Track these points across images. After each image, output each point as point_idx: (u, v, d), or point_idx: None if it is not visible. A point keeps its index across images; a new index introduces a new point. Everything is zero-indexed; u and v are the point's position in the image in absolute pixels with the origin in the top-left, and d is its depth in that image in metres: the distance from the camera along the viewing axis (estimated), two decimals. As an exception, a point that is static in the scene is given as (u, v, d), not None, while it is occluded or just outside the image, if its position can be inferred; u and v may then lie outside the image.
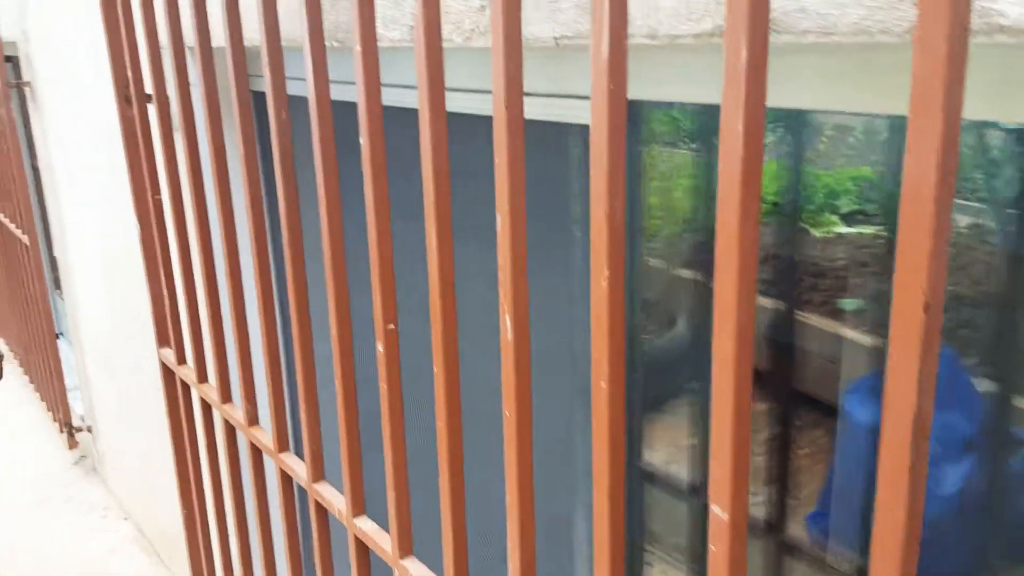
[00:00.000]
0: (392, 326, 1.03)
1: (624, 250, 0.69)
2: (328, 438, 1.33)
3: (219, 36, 1.35)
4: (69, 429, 3.29)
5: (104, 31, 1.68)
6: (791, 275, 1.18)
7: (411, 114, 1.04)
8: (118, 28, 1.68)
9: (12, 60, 3.24)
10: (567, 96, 1.11)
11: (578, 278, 1.39)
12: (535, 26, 0.92)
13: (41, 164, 3.12)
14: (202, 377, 1.68)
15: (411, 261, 1.35)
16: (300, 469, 1.34)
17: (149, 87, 1.68)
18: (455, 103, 1.24)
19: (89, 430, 3.28)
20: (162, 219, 1.71)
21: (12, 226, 3.25)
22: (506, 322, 0.80)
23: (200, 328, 1.65)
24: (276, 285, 1.88)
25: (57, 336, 3.35)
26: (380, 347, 1.03)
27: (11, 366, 4.67)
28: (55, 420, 3.46)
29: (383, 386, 1.05)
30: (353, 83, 1.43)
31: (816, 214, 1.13)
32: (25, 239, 3.09)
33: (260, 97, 1.66)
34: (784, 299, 1.19)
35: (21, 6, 2.83)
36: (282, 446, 1.40)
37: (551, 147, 1.32)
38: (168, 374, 1.85)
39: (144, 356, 2.43)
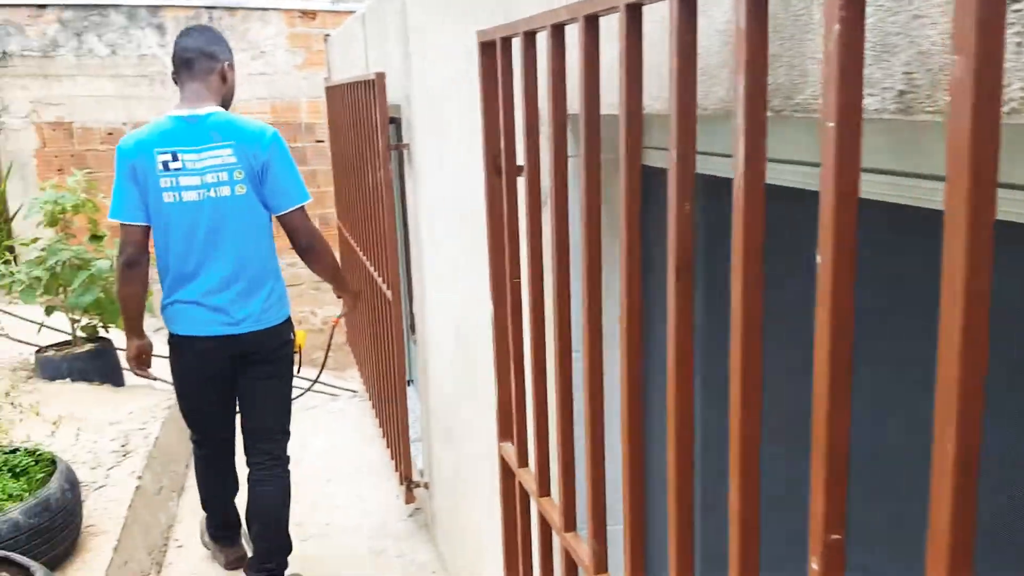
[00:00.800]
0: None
1: None
2: None
3: (607, 104, 1.12)
4: (408, 483, 3.33)
5: (480, 97, 1.56)
6: None
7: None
8: (495, 95, 1.54)
9: (395, 122, 3.40)
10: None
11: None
12: None
13: (410, 224, 3.22)
14: (544, 489, 1.46)
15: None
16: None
17: (521, 158, 1.52)
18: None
19: (426, 486, 3.29)
20: (519, 305, 1.54)
21: (379, 279, 3.39)
22: None
23: (547, 440, 1.43)
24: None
25: (408, 383, 3.44)
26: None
27: (364, 404, 4.99)
28: (396, 470, 3.54)
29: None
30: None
31: None
32: (388, 294, 3.19)
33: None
34: None
35: (406, 70, 2.93)
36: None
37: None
38: (507, 471, 1.66)
39: (481, 430, 2.31)
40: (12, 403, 3.75)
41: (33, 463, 2.89)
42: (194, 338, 2.69)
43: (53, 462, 2.91)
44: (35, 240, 4.65)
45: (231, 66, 2.77)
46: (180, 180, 2.58)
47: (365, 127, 3.40)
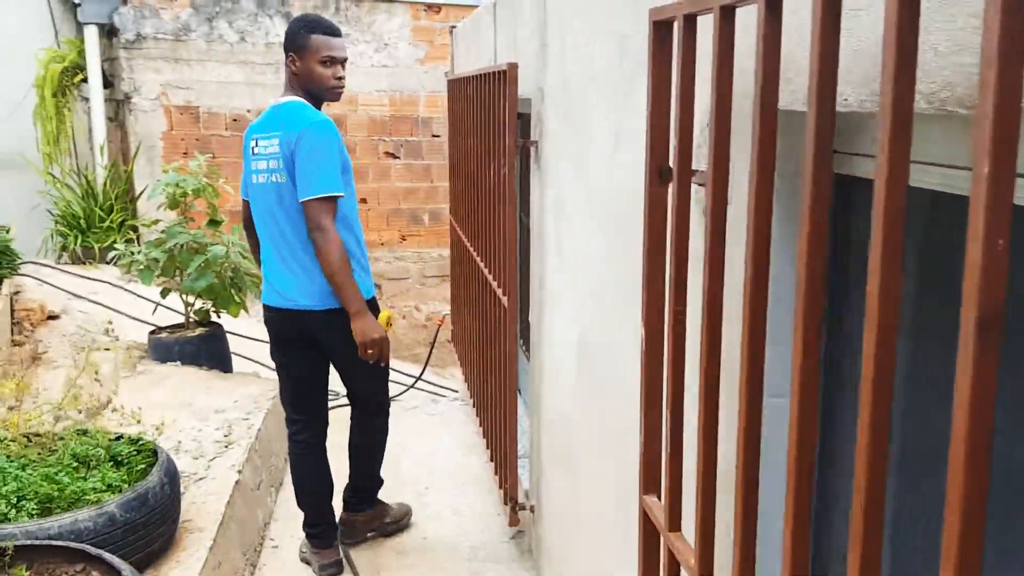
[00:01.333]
0: None
1: None
2: None
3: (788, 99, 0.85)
4: (513, 505, 3.10)
5: (650, 87, 1.30)
6: None
7: None
8: (667, 85, 1.28)
9: (522, 117, 3.18)
10: None
11: None
12: None
13: (532, 227, 2.99)
14: (705, 567, 1.19)
15: None
16: None
17: (697, 162, 1.25)
18: None
19: (532, 510, 3.05)
20: (680, 339, 1.27)
21: (493, 282, 3.18)
22: None
23: (713, 508, 1.16)
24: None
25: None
26: None
27: (466, 408, 4.81)
28: (500, 487, 3.32)
29: None
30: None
31: None
32: (504, 300, 2.97)
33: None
34: None
35: (541, 61, 2.70)
36: None
37: None
38: (650, 530, 1.40)
39: (607, 462, 2.06)
40: (113, 400, 3.72)
41: (135, 452, 2.81)
42: (266, 306, 2.96)
43: (155, 452, 2.81)
44: (156, 222, 4.66)
45: (293, 57, 2.79)
46: (257, 164, 2.84)
47: (489, 121, 3.19)
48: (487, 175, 3.31)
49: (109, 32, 6.96)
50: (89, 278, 6.24)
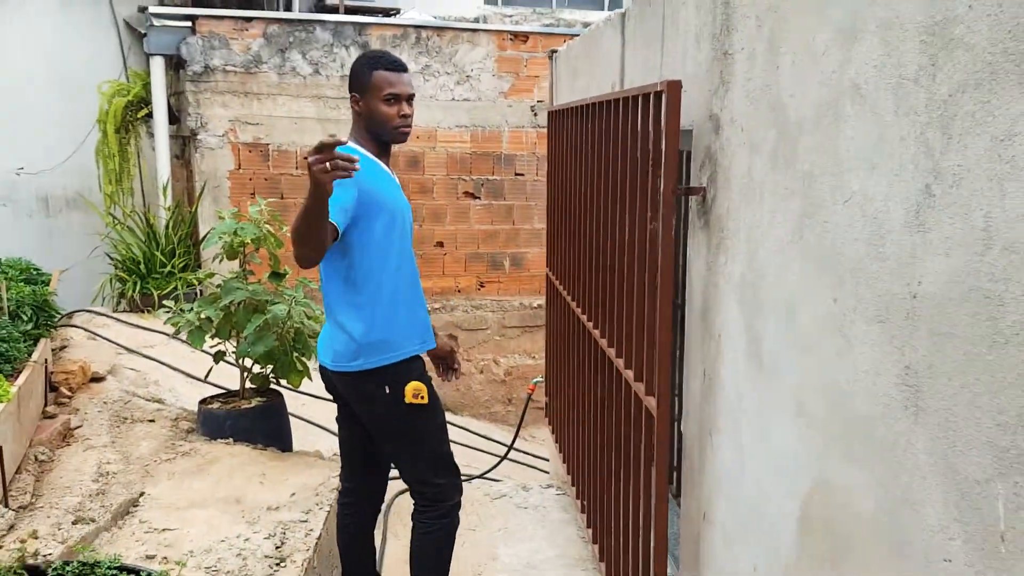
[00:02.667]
0: None
1: None
2: None
3: None
4: None
5: None
6: None
7: None
8: None
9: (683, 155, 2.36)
10: None
11: None
12: None
13: (690, 308, 2.15)
14: None
15: None
16: None
17: None
18: None
19: None
20: None
21: (629, 376, 2.34)
22: None
23: None
24: None
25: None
26: None
27: (562, 498, 3.96)
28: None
29: None
30: None
31: None
32: (651, 405, 2.13)
33: None
34: None
35: (715, 79, 1.89)
36: None
37: None
38: None
39: None
40: (146, 495, 2.99)
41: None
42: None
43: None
44: (210, 275, 3.97)
45: (356, 96, 2.49)
46: None
47: (621, 160, 2.39)
48: (614, 229, 2.50)
49: (176, 64, 6.42)
50: (146, 328, 5.62)
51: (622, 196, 2.42)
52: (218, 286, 3.90)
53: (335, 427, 5.72)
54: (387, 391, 2.44)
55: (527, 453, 5.66)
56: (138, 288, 6.06)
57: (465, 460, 5.34)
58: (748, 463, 1.76)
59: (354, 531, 2.77)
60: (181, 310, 3.92)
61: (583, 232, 3.04)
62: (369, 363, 2.42)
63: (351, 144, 2.45)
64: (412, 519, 2.62)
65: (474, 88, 6.85)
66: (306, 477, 3.52)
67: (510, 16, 7.21)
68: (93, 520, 3.03)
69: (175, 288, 6.00)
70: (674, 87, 1.95)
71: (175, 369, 5.13)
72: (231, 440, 3.78)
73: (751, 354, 1.72)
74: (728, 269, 1.85)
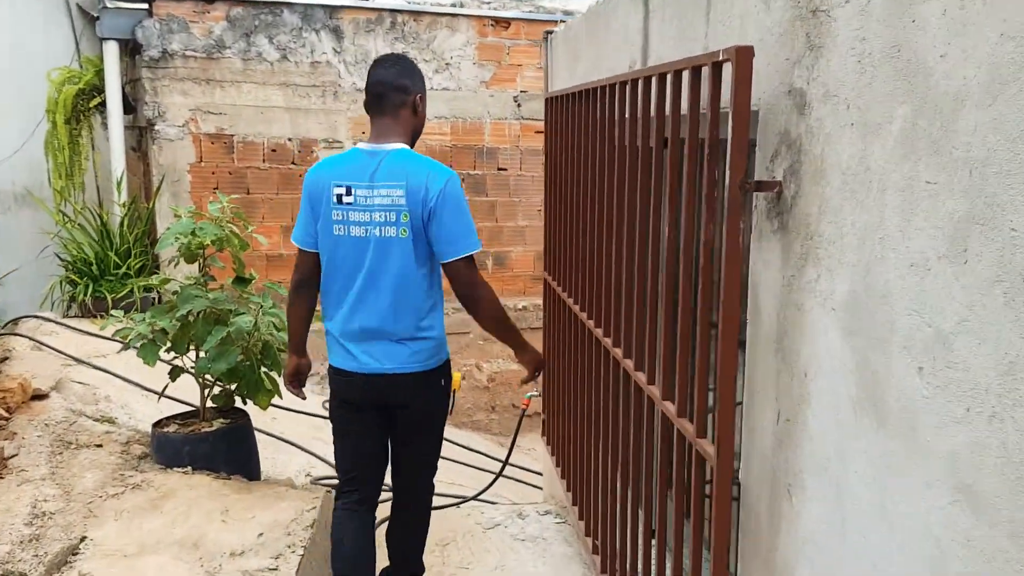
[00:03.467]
0: None
1: None
2: None
3: None
4: None
5: None
6: None
7: None
8: None
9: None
10: None
11: None
12: None
13: (755, 332, 1.72)
14: None
15: None
16: None
17: None
18: None
19: None
20: None
21: (683, 423, 1.91)
22: None
23: None
24: None
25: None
26: None
27: (563, 527, 3.54)
28: None
29: None
30: None
31: None
32: (709, 454, 1.71)
33: None
34: None
35: (798, 44, 1.46)
36: None
37: None
38: None
39: None
40: (87, 539, 2.50)
41: None
42: (339, 370, 2.61)
43: None
44: (165, 281, 3.48)
45: (422, 97, 2.57)
46: (350, 215, 2.48)
47: (656, 149, 1.97)
48: (647, 234, 2.08)
49: (132, 49, 5.87)
50: (98, 335, 5.09)
51: (657, 195, 1.99)
52: (174, 293, 3.41)
53: (310, 444, 5.17)
54: (443, 383, 2.63)
55: (518, 467, 5.23)
56: (90, 291, 5.52)
57: (449, 477, 4.88)
58: (854, 541, 1.34)
59: (360, 521, 2.72)
60: (132, 319, 3.42)
61: (600, 236, 2.61)
62: (442, 358, 2.59)
63: (409, 149, 2.51)
64: (404, 505, 2.80)
65: (454, 77, 6.39)
66: (276, 512, 3.05)
67: (487, 2, 6.74)
68: (23, 574, 2.55)
69: (131, 292, 5.47)
70: (745, 54, 1.52)
71: (130, 382, 4.62)
72: (189, 469, 3.30)
73: (863, 403, 1.30)
74: (822, 287, 1.43)
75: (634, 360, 2.22)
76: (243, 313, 3.25)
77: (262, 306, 3.38)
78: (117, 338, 3.46)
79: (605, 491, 2.69)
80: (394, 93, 2.47)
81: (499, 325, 2.62)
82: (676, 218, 1.85)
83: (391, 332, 2.49)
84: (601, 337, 2.57)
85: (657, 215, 2.02)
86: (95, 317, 5.45)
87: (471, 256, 2.46)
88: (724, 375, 1.58)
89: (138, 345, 3.30)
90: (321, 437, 5.11)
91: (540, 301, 7.01)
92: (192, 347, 3.37)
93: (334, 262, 2.51)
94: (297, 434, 4.96)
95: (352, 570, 2.64)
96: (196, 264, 3.44)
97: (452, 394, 2.71)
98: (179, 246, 3.31)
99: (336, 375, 2.61)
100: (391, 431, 2.67)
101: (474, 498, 4.23)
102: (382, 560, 2.82)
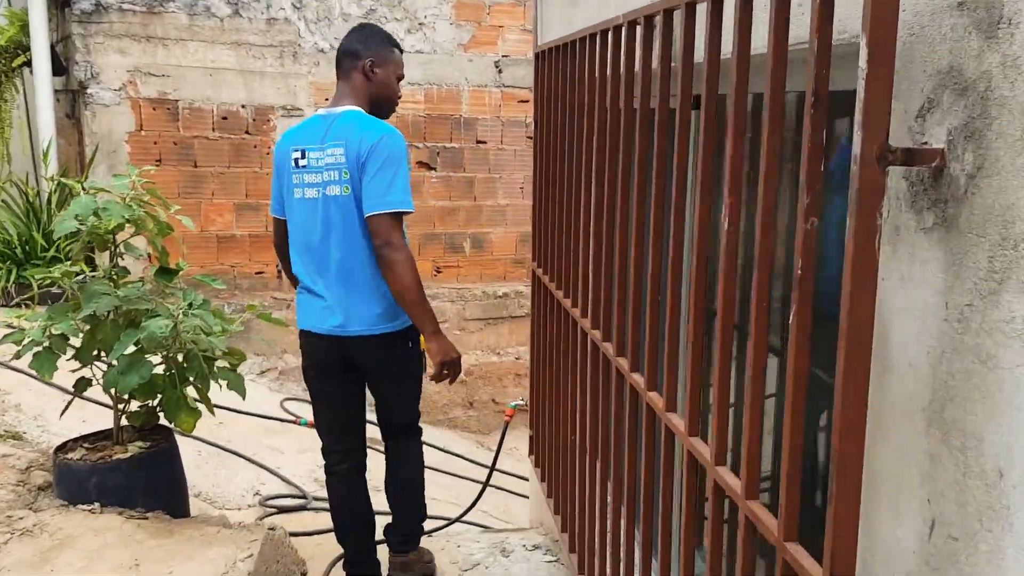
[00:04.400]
0: None
1: None
2: None
3: None
4: None
5: None
6: None
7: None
8: None
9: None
10: None
11: None
12: None
13: (884, 383, 1.11)
14: None
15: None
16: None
17: None
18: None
19: None
20: None
21: (754, 507, 1.31)
22: None
23: None
24: None
25: None
26: None
27: (555, 567, 2.95)
28: None
29: None
30: None
31: None
32: (797, 556, 1.10)
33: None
34: None
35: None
36: None
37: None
38: None
39: None
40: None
41: None
42: (307, 332, 2.63)
43: None
44: (68, 274, 2.81)
45: (375, 63, 2.56)
46: (305, 177, 2.53)
47: (688, 108, 1.35)
48: (695, 221, 1.47)
49: (63, 2, 5.14)
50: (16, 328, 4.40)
51: (717, 170, 1.38)
52: (79, 288, 2.76)
53: (261, 454, 4.64)
54: (410, 345, 2.61)
55: (501, 471, 4.64)
56: (13, 277, 4.83)
57: (428, 488, 4.31)
58: None
59: (358, 486, 2.74)
60: (28, 319, 2.76)
61: (617, 225, 1.99)
62: (404, 323, 2.55)
63: (360, 110, 2.52)
64: (398, 454, 2.78)
65: (428, 38, 5.71)
66: (201, 564, 2.43)
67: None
68: None
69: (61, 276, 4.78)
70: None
71: (50, 384, 3.96)
72: (97, 506, 2.66)
73: None
74: (1013, 306, 0.82)
75: (664, 395, 1.61)
76: (159, 315, 2.60)
77: (190, 303, 2.74)
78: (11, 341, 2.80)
79: (611, 537, 2.10)
80: (345, 58, 2.57)
81: (410, 297, 2.46)
82: (758, 206, 1.24)
83: (350, 292, 2.51)
84: (612, 357, 1.96)
85: (710, 200, 1.40)
86: (19, 306, 4.76)
87: (397, 215, 2.43)
88: (852, 454, 0.97)
89: (32, 356, 2.65)
90: (275, 445, 4.48)
91: (522, 287, 6.39)
92: (100, 353, 2.73)
93: (295, 224, 2.57)
94: (246, 441, 4.33)
95: (348, 536, 2.75)
96: (107, 254, 2.78)
97: (422, 355, 2.66)
98: (84, 231, 2.65)
99: (306, 338, 2.63)
100: (367, 387, 2.71)
101: (458, 519, 3.67)
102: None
